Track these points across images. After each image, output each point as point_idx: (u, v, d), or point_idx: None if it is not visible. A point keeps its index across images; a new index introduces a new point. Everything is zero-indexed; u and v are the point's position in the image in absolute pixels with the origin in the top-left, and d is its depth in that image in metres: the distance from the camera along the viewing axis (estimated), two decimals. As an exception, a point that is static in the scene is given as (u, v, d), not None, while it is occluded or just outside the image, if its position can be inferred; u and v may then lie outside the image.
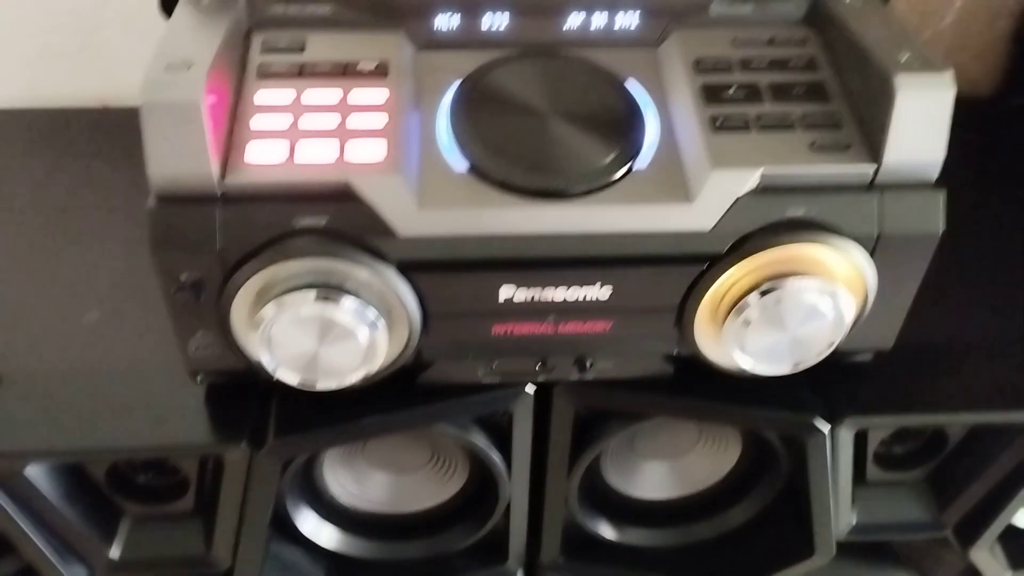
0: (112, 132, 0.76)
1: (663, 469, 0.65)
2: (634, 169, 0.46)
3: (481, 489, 0.63)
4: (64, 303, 0.58)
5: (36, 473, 0.50)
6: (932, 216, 0.46)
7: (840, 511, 0.59)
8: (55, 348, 0.55)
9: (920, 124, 0.45)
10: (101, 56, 0.80)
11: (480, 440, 0.56)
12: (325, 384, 0.47)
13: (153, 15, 0.51)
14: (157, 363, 0.53)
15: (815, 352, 0.49)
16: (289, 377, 0.47)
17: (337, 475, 0.61)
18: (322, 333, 0.45)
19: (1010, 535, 0.65)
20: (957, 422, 0.57)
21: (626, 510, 0.65)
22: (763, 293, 0.46)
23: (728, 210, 0.45)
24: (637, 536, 0.65)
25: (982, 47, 0.86)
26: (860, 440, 0.57)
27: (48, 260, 0.61)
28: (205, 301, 0.45)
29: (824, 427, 0.53)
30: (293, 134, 0.45)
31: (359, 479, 0.62)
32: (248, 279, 0.44)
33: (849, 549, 0.66)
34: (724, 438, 0.63)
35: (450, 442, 0.60)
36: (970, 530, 0.61)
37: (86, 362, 0.54)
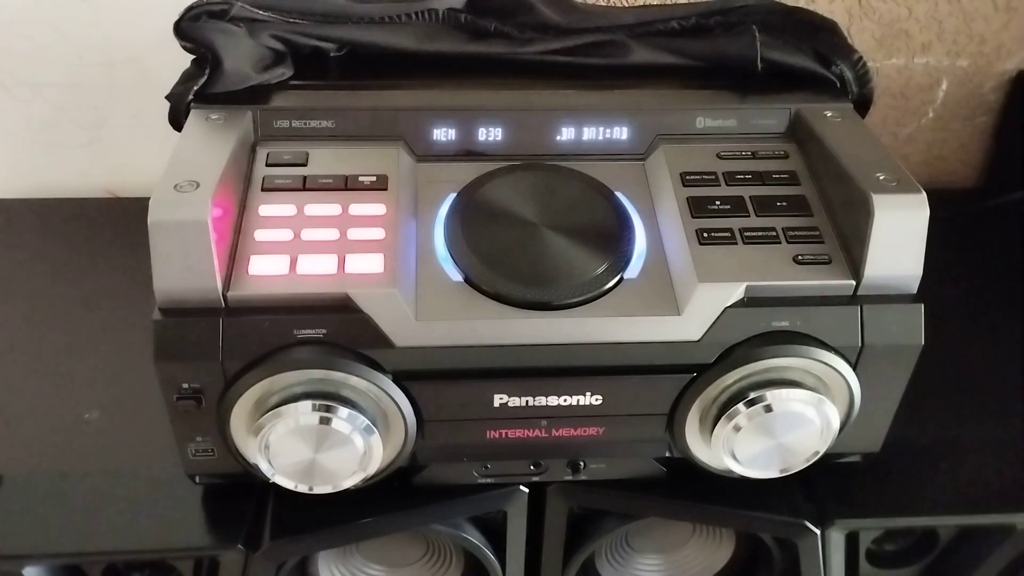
0: (118, 221, 0.78)
1: (658, 563, 0.65)
2: (624, 280, 0.48)
3: (476, 583, 0.63)
4: (65, 400, 0.59)
5: (34, 574, 0.50)
6: (913, 328, 0.48)
7: (834, 611, 0.59)
8: (55, 447, 0.55)
9: (898, 241, 0.47)
10: (109, 150, 0.83)
11: (475, 538, 0.56)
12: (321, 488, 0.48)
13: (160, 109, 0.52)
14: (156, 463, 0.54)
15: (803, 458, 0.49)
16: (286, 483, 0.47)
17: (332, 571, 0.61)
18: (319, 441, 0.46)
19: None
20: (946, 524, 0.57)
21: (621, 605, 0.65)
22: (751, 403, 0.47)
23: (715, 321, 0.47)
24: (632, 633, 0.65)
25: (963, 140, 0.89)
26: (852, 539, 0.57)
27: (51, 356, 0.62)
28: (206, 408, 0.46)
29: (815, 529, 0.54)
30: (295, 247, 0.47)
31: (354, 574, 0.62)
32: (248, 389, 0.45)
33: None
34: (718, 534, 0.63)
35: (445, 538, 0.60)
36: (964, 629, 0.61)
37: (85, 461, 0.55)
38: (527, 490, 0.55)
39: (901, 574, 0.62)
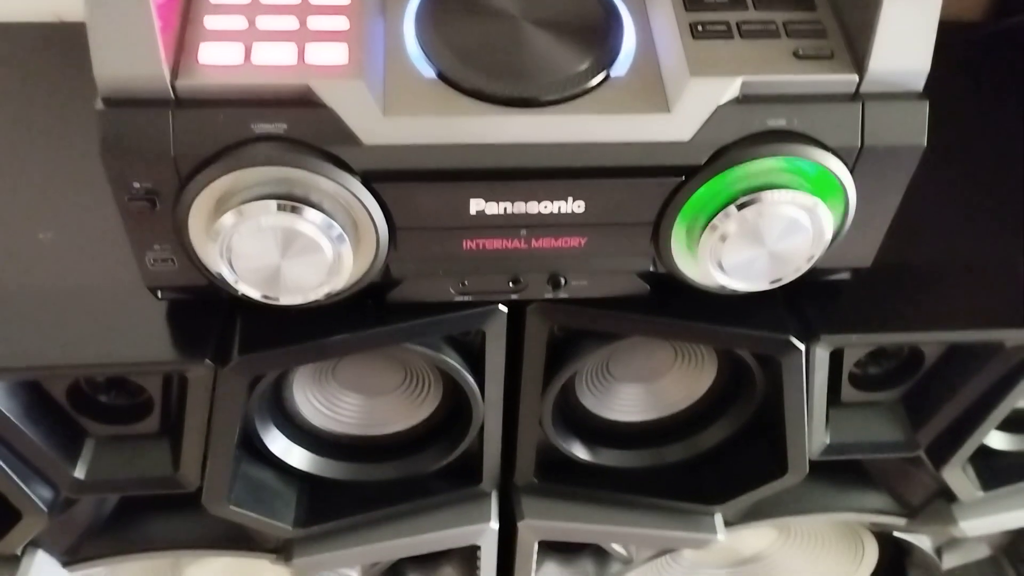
0: (66, 46, 0.72)
1: (638, 392, 0.64)
2: (611, 77, 0.45)
3: (454, 411, 0.62)
4: (17, 222, 0.55)
5: (-5, 393, 0.49)
6: (916, 128, 0.45)
7: (814, 431, 0.59)
8: (10, 268, 0.53)
9: (906, 31, 0.43)
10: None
11: (452, 359, 0.55)
12: (289, 300, 0.46)
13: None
14: (117, 282, 0.51)
15: (793, 268, 0.48)
16: (251, 292, 0.45)
17: (308, 397, 0.60)
18: (285, 246, 0.43)
19: (982, 456, 0.66)
20: (933, 340, 0.56)
21: (601, 432, 0.65)
22: (741, 206, 0.44)
23: (707, 120, 0.44)
24: (611, 457, 0.65)
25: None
26: (836, 361, 0.57)
27: (1, 181, 0.59)
28: (161, 211, 0.43)
29: (800, 345, 0.53)
30: (250, 35, 0.43)
31: (330, 401, 0.61)
32: (204, 188, 0.42)
33: (822, 472, 0.66)
34: (699, 360, 0.62)
35: (422, 363, 0.59)
36: (943, 449, 0.61)
37: (43, 281, 0.52)
38: (506, 309, 0.53)
39: (884, 397, 0.61)
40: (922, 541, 0.79)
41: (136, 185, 0.42)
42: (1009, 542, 0.85)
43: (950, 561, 0.84)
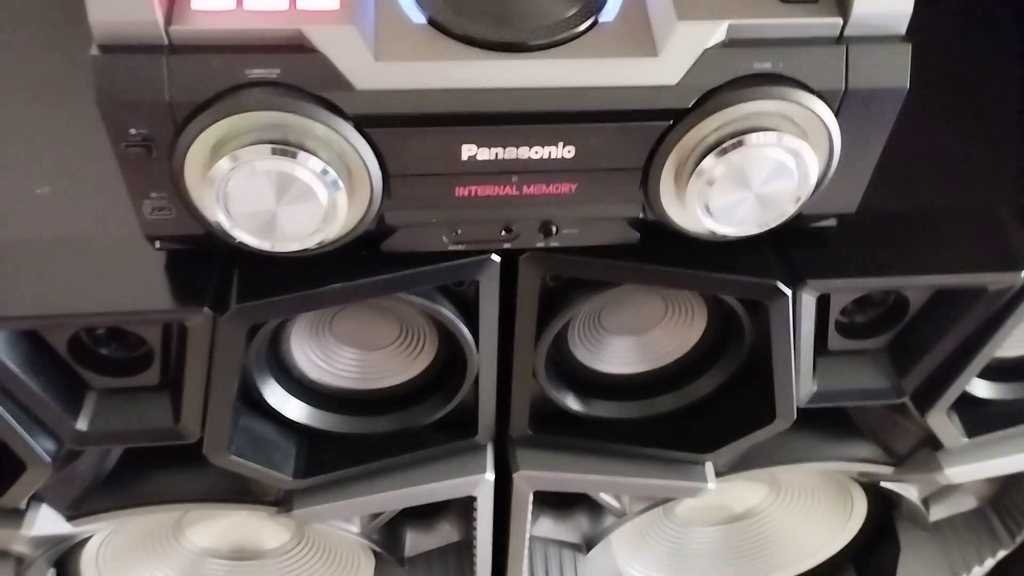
0: None
1: (630, 344, 0.66)
2: (599, 22, 0.45)
3: (450, 365, 0.63)
4: (15, 178, 0.56)
5: (-3, 344, 0.50)
6: (899, 70, 0.46)
7: (802, 378, 0.60)
8: (9, 223, 0.53)
9: (890, -27, 0.44)
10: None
11: (447, 309, 0.56)
12: (284, 247, 0.47)
13: None
14: (116, 236, 0.52)
15: (780, 212, 0.48)
16: (247, 239, 0.46)
17: (305, 351, 0.61)
18: (280, 191, 0.44)
19: (966, 404, 0.67)
20: (917, 285, 0.57)
21: (593, 385, 0.67)
22: (727, 150, 0.45)
23: (694, 64, 0.44)
24: (604, 409, 0.67)
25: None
26: (823, 309, 0.58)
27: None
28: (157, 158, 0.44)
29: (786, 290, 0.54)
30: (241, -19, 0.43)
31: (327, 356, 0.62)
32: (199, 134, 0.43)
33: (810, 422, 0.68)
34: (689, 312, 0.63)
35: (418, 317, 0.60)
36: (928, 395, 0.63)
37: (41, 234, 0.53)
38: (499, 259, 0.54)
39: (870, 345, 0.63)
40: (909, 492, 0.81)
41: (132, 131, 0.43)
42: (995, 494, 0.87)
43: (937, 513, 0.86)
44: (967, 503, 0.87)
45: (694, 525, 0.91)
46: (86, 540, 0.73)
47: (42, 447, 0.55)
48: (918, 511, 0.83)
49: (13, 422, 0.52)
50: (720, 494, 0.88)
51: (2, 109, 0.60)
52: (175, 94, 0.42)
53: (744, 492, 0.90)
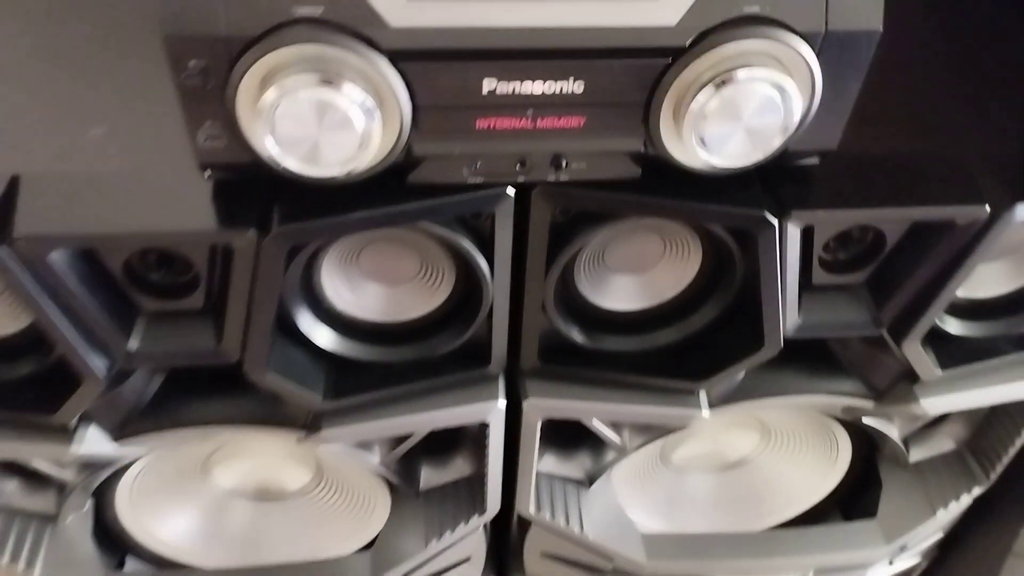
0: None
1: (631, 282, 0.71)
2: (606, -29, 0.51)
3: (466, 298, 0.68)
4: (68, 121, 0.61)
5: (59, 260, 0.55)
6: (873, 14, 0.51)
7: (788, 308, 0.66)
8: (64, 158, 0.58)
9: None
10: None
11: (465, 240, 0.61)
12: (324, 172, 0.52)
13: None
14: (166, 169, 0.57)
15: (768, 145, 0.54)
16: (291, 163, 0.51)
17: (334, 284, 0.67)
18: (320, 118, 0.49)
19: (940, 340, 0.73)
20: (895, 217, 0.63)
21: (598, 320, 0.72)
22: (720, 85, 0.51)
23: (691, 6, 0.50)
24: (607, 342, 0.72)
25: None
26: (807, 238, 0.63)
27: (54, 78, 0.64)
28: (212, 89, 0.49)
29: (773, 220, 0.59)
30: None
31: (354, 288, 0.68)
32: (251, 65, 0.48)
33: (796, 357, 0.74)
34: (686, 250, 0.69)
35: (438, 252, 0.65)
36: (903, 325, 0.68)
37: (97, 169, 0.58)
38: (513, 192, 0.60)
39: (851, 279, 0.68)
40: (891, 431, 0.86)
41: (192, 63, 0.48)
42: (971, 436, 0.92)
43: (917, 454, 0.92)
44: (945, 445, 0.93)
45: (689, 472, 0.97)
46: (122, 471, 0.78)
47: (95, 365, 0.61)
48: (899, 451, 0.89)
49: (76, 335, 0.57)
50: (713, 441, 0.94)
51: (63, 57, 0.65)
52: (230, 29, 0.47)
53: (736, 439, 0.95)
